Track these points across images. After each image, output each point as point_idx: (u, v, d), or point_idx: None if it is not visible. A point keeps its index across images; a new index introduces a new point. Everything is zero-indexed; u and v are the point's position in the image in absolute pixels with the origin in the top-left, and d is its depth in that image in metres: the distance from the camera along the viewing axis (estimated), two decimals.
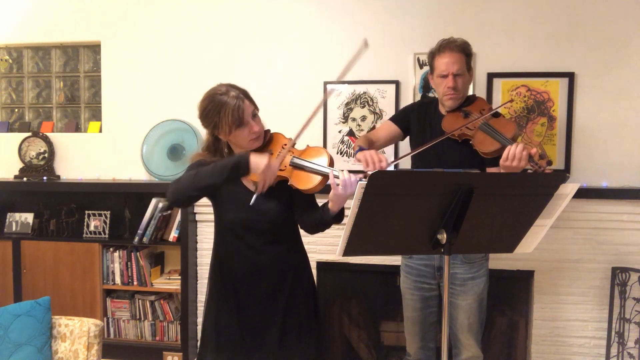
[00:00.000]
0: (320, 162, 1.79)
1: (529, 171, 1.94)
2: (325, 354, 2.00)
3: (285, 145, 1.84)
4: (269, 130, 1.90)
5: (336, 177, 1.71)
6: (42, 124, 3.60)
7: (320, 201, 1.89)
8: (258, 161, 1.68)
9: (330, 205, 1.76)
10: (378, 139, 2.32)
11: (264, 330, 1.86)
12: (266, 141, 1.87)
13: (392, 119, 2.36)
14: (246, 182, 1.85)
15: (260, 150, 1.84)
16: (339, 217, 1.79)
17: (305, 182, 1.77)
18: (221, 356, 1.87)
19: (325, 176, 1.75)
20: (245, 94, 1.80)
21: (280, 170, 1.77)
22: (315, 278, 3.04)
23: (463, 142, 2.09)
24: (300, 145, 1.86)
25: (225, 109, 1.73)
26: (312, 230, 1.88)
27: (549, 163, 1.91)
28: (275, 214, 1.84)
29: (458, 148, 2.10)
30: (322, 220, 1.80)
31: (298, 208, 1.88)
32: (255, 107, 1.82)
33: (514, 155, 1.87)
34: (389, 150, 3.03)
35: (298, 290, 1.91)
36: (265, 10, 3.18)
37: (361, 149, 2.06)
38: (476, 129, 2.06)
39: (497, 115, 2.18)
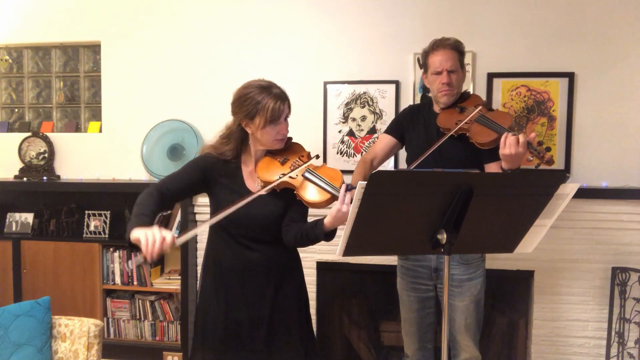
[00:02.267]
0: (333, 182, 1.78)
1: (530, 158, 1.94)
2: (315, 358, 1.97)
3: (303, 156, 1.86)
4: (291, 138, 1.92)
5: (348, 202, 1.67)
6: (42, 124, 3.60)
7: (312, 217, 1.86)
8: (139, 233, 1.53)
9: (327, 220, 1.71)
10: (376, 155, 2.33)
11: (251, 330, 1.84)
12: (286, 147, 1.89)
13: (386, 131, 2.38)
14: (248, 183, 1.85)
15: (278, 155, 1.87)
16: (330, 235, 1.74)
17: (314, 195, 1.76)
18: (208, 354, 1.86)
19: (334, 196, 1.74)
20: (286, 96, 1.82)
21: (292, 178, 1.78)
22: (315, 278, 3.07)
23: (459, 138, 2.09)
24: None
25: (267, 102, 1.75)
26: (294, 242, 1.81)
27: (548, 149, 1.91)
28: (269, 218, 1.83)
29: (455, 144, 2.10)
30: (310, 234, 1.74)
31: (288, 219, 1.84)
32: (290, 111, 1.85)
33: (510, 143, 1.88)
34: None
35: (288, 292, 1.89)
36: (266, 11, 3.18)
37: (351, 188, 2.00)
38: (472, 122, 2.08)
39: (492, 110, 2.20)
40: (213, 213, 1.90)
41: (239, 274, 1.85)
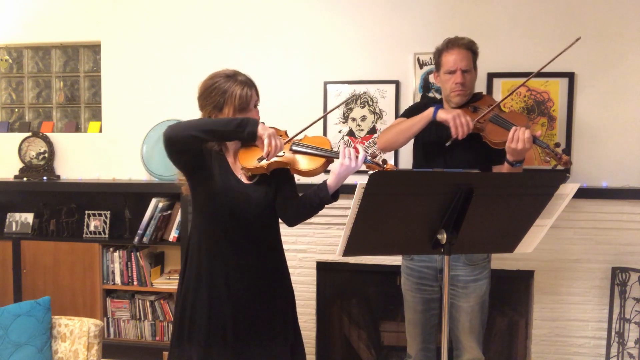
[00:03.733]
0: (322, 146, 1.80)
1: (547, 159, 1.96)
2: (301, 356, 1.94)
3: (281, 136, 1.83)
4: (263, 123, 1.89)
5: (345, 155, 1.73)
6: (42, 124, 3.61)
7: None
8: (265, 130, 1.66)
9: (330, 180, 1.72)
10: None
11: (234, 327, 1.79)
12: None
13: (403, 115, 2.34)
14: (236, 171, 1.82)
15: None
16: (335, 196, 1.75)
17: (308, 165, 1.76)
18: (195, 347, 1.80)
19: (329, 158, 1.76)
20: (252, 83, 1.82)
21: (278, 156, 1.76)
22: (315, 278, 3.07)
23: (471, 137, 2.07)
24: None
25: (233, 90, 1.75)
26: (295, 216, 1.81)
27: (565, 152, 1.93)
28: (262, 203, 1.80)
29: (465, 144, 2.09)
30: (315, 199, 1.74)
31: (282, 198, 1.83)
32: (258, 98, 1.84)
33: (517, 137, 1.91)
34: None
35: (274, 290, 1.87)
36: (265, 11, 3.19)
37: (439, 107, 2.08)
38: (486, 121, 2.08)
39: (504, 111, 2.21)
40: (200, 205, 1.83)
41: (227, 271, 1.80)
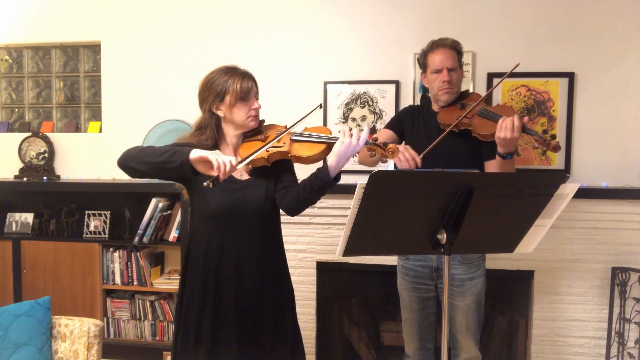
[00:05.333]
0: (322, 133, 1.80)
1: (536, 146, 1.95)
2: (301, 354, 1.94)
3: (280, 130, 1.85)
4: (263, 120, 1.91)
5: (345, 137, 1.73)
6: (42, 124, 3.61)
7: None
8: (202, 151, 1.62)
9: (331, 160, 1.71)
10: None
11: (238, 326, 1.80)
12: (260, 128, 1.88)
13: (387, 126, 2.39)
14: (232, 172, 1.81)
15: (255, 134, 1.85)
16: (336, 179, 1.74)
17: (308, 151, 1.76)
18: (201, 350, 1.81)
19: (329, 144, 1.75)
20: (252, 75, 1.85)
21: (279, 147, 1.77)
22: (315, 278, 3.08)
23: (461, 134, 2.10)
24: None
25: (235, 79, 1.79)
26: (295, 202, 1.78)
27: (553, 137, 1.93)
28: (262, 199, 1.80)
29: (456, 141, 2.10)
30: (315, 182, 1.72)
31: (282, 187, 1.83)
32: (257, 91, 1.87)
33: (506, 126, 1.91)
34: None
35: (278, 290, 1.87)
36: (265, 11, 3.19)
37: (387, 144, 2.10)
38: (474, 116, 2.09)
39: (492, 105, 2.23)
40: (197, 207, 1.84)
41: (232, 272, 1.80)
